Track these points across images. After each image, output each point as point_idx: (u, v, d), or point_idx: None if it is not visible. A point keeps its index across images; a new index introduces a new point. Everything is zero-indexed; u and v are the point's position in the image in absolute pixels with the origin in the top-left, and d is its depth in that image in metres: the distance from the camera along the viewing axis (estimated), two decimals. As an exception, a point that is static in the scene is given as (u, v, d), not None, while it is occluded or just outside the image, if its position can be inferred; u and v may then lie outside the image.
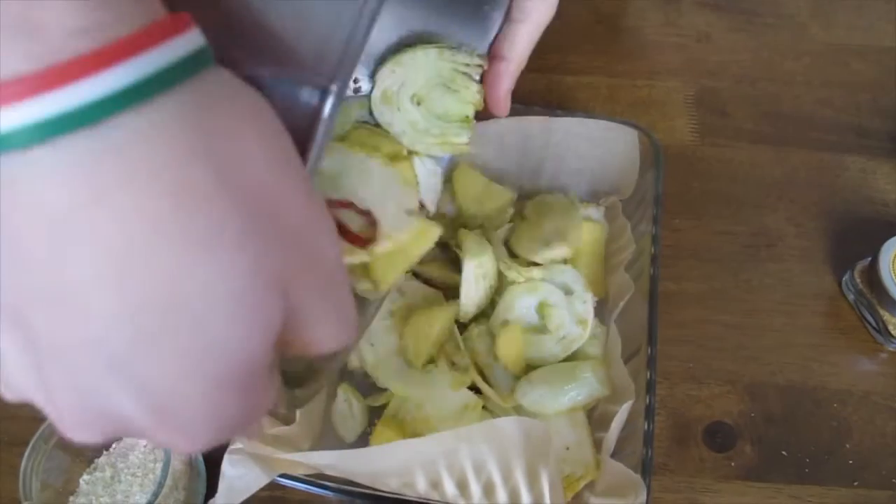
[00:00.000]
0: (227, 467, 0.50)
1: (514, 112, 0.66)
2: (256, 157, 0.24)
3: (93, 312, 0.22)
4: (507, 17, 0.52)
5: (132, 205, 0.21)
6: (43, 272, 0.21)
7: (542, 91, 0.82)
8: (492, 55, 0.55)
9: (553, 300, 0.59)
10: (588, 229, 0.64)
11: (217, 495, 0.50)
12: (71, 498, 0.55)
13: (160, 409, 0.23)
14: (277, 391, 0.28)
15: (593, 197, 0.69)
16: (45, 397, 0.24)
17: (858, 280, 0.67)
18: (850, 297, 0.68)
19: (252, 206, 0.23)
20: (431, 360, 0.59)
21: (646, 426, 0.52)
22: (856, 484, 0.60)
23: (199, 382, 0.23)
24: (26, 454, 0.52)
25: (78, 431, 0.25)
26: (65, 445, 0.54)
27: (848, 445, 0.62)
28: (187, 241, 0.22)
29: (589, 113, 0.71)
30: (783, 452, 0.61)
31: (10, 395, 0.25)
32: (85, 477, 0.56)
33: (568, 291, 0.60)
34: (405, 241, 0.44)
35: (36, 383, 0.24)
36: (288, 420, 0.53)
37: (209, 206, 0.22)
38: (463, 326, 0.61)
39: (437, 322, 0.59)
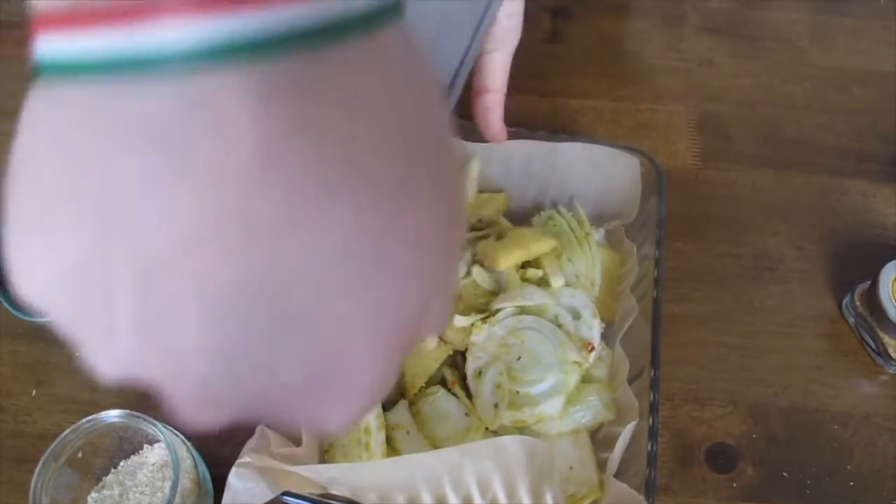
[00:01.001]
0: (234, 480, 0.51)
1: (518, 136, 0.67)
2: (429, 111, 0.22)
3: (265, 262, 0.19)
4: (482, 49, 0.53)
5: (340, 139, 0.19)
6: (207, 218, 0.18)
7: (546, 114, 0.83)
8: (476, 90, 0.56)
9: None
10: (601, 256, 0.65)
11: None
12: (79, 516, 0.56)
13: (322, 375, 0.21)
14: None
15: (597, 220, 0.69)
16: (169, 373, 0.21)
17: (858, 303, 0.68)
18: (851, 319, 0.69)
19: (429, 161, 0.21)
20: (422, 389, 0.60)
21: (649, 447, 0.52)
22: (857, 505, 0.61)
23: (375, 344, 0.21)
24: (36, 472, 0.52)
25: (205, 412, 0.22)
26: (74, 463, 0.55)
27: (849, 467, 0.62)
28: (387, 190, 0.20)
29: (592, 137, 0.72)
30: (784, 474, 0.62)
31: (117, 371, 0.22)
32: (93, 495, 0.57)
33: (576, 315, 0.61)
34: None
35: (157, 357, 0.20)
36: (297, 440, 0.54)
37: (409, 154, 0.20)
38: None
39: (434, 356, 0.60)
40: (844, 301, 0.70)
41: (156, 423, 0.54)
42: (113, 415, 0.54)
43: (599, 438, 0.59)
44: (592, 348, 0.60)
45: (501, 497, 0.51)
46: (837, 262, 0.73)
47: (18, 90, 0.30)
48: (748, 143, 0.82)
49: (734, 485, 0.61)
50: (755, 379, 0.66)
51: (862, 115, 0.85)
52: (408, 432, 0.57)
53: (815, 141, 0.83)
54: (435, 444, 0.57)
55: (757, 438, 0.63)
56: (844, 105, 0.85)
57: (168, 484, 0.55)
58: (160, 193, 0.18)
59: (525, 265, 0.63)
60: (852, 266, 0.72)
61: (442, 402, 0.59)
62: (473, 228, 0.66)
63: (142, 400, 0.64)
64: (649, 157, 0.66)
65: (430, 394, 0.59)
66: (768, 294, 0.71)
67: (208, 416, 0.22)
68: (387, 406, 0.58)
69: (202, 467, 0.57)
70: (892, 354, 0.65)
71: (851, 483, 0.61)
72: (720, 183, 0.79)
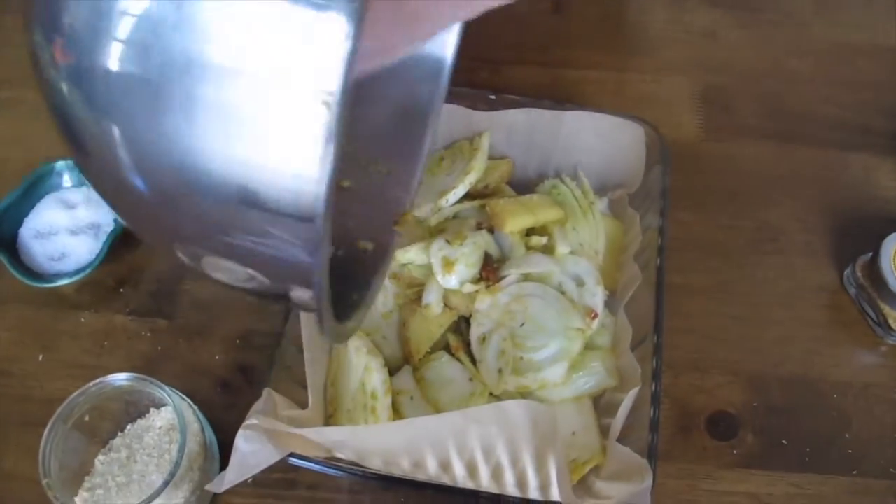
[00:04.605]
0: (241, 442, 0.51)
1: (522, 104, 0.67)
2: None
3: None
4: None
5: None
6: None
7: (548, 85, 0.83)
8: None
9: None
10: (605, 225, 0.66)
11: (228, 469, 0.51)
12: (87, 478, 0.57)
13: None
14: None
15: (601, 189, 0.70)
16: None
17: (860, 274, 0.68)
18: (852, 291, 0.69)
19: None
20: (427, 355, 0.60)
21: (652, 413, 0.53)
22: (854, 473, 0.61)
23: None
24: (45, 435, 0.53)
25: None
26: (81, 427, 0.55)
27: (847, 435, 0.63)
28: None
29: (596, 108, 0.72)
30: (784, 442, 0.63)
31: None
32: (100, 457, 0.58)
33: (580, 283, 0.61)
34: None
35: None
36: (303, 403, 0.55)
37: None
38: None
39: (439, 321, 0.60)
40: (846, 272, 0.70)
41: (163, 386, 0.54)
42: (120, 378, 0.54)
43: (602, 405, 0.60)
44: (595, 316, 0.60)
45: (505, 461, 0.51)
46: (839, 235, 0.73)
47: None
48: (751, 116, 0.82)
49: (734, 452, 0.62)
50: (756, 349, 0.67)
51: (865, 89, 0.85)
52: (412, 398, 0.58)
53: (818, 114, 0.83)
54: (439, 410, 0.58)
55: (757, 407, 0.64)
56: (848, 79, 0.85)
57: (175, 447, 0.55)
58: None
59: (530, 232, 0.63)
60: (854, 238, 0.72)
61: (446, 368, 0.59)
62: (479, 195, 0.66)
63: (149, 364, 0.65)
64: (654, 127, 0.67)
65: (434, 359, 0.60)
66: (770, 265, 0.72)
67: None
68: (391, 371, 0.59)
69: (209, 431, 0.58)
70: (893, 325, 0.66)
71: (850, 451, 0.62)
72: (723, 155, 0.79)
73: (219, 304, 0.67)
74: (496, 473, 0.52)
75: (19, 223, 0.70)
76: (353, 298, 0.44)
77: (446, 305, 0.60)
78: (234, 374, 0.64)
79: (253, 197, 0.27)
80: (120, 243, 0.69)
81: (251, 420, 0.51)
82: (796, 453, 0.62)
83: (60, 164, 0.72)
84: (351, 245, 0.48)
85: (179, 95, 0.26)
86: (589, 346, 0.60)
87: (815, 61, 0.87)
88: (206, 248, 0.32)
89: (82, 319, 0.67)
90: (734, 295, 0.70)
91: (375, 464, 0.53)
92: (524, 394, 0.58)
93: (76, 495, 0.56)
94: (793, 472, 0.61)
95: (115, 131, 0.27)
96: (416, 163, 0.52)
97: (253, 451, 0.51)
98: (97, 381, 0.54)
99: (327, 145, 0.25)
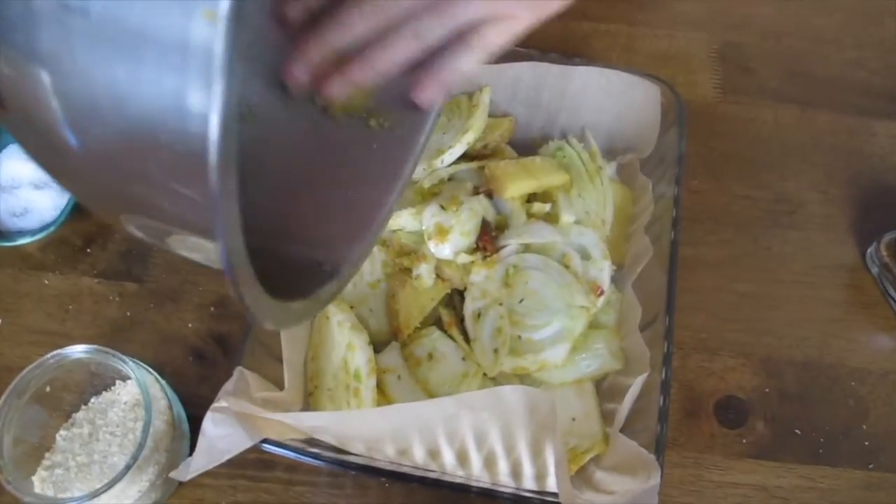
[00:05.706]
0: (209, 426, 0.47)
1: (528, 57, 0.62)
2: None
3: None
4: None
5: None
6: None
7: (557, 38, 0.78)
8: None
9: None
10: (613, 192, 0.61)
11: (195, 454, 0.47)
12: (47, 454, 0.52)
13: None
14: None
15: (610, 153, 0.65)
16: None
17: (884, 253, 0.64)
18: (874, 270, 0.65)
19: None
20: (417, 331, 0.56)
21: (661, 402, 0.49)
22: (870, 467, 0.57)
23: None
24: (-2, 408, 0.48)
25: None
26: (42, 398, 0.51)
27: (864, 426, 0.59)
28: None
29: (608, 63, 0.66)
30: (797, 431, 0.59)
31: None
32: (62, 433, 0.53)
33: (585, 256, 0.56)
34: None
35: None
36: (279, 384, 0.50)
37: None
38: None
39: (430, 294, 0.56)
40: (868, 250, 0.66)
41: (126, 359, 0.50)
42: (79, 350, 0.50)
43: (604, 389, 0.55)
44: (602, 292, 0.55)
45: (499, 449, 0.47)
46: (862, 209, 0.69)
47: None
48: (772, 77, 0.77)
49: (744, 441, 0.58)
50: (769, 330, 0.63)
51: (895, 53, 0.79)
52: (399, 377, 0.54)
53: (843, 78, 0.77)
54: (428, 390, 0.53)
55: (769, 393, 0.60)
56: (878, 40, 0.80)
57: (140, 425, 0.51)
58: None
59: (531, 198, 0.59)
60: (878, 213, 0.68)
61: (437, 345, 0.54)
62: (478, 156, 0.61)
63: (116, 331, 0.60)
64: (671, 87, 0.61)
65: (424, 336, 0.55)
66: (787, 240, 0.67)
67: None
68: (377, 347, 0.54)
69: (178, 407, 0.53)
70: (916, 308, 0.62)
71: (866, 443, 0.58)
72: (740, 119, 0.74)
73: (192, 268, 0.62)
74: (489, 462, 0.48)
75: (-21, 174, 0.65)
76: (323, 270, 0.40)
77: (439, 277, 0.55)
78: (209, 344, 0.60)
79: (145, 132, 0.24)
80: (88, 198, 0.64)
81: (220, 402, 0.46)
82: (809, 444, 0.58)
83: (25, 110, 0.66)
84: (329, 204, 0.43)
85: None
86: (593, 326, 0.56)
87: (842, 20, 0.81)
88: (121, 200, 0.29)
89: (46, 281, 0.62)
90: (747, 270, 0.65)
91: (358, 449, 0.48)
92: (521, 376, 0.54)
93: (34, 474, 0.51)
94: (805, 463, 0.57)
95: (13, 63, 0.25)
96: (423, 120, 0.46)
97: (222, 436, 0.46)
98: (54, 353, 0.50)
99: (214, 71, 0.21)
